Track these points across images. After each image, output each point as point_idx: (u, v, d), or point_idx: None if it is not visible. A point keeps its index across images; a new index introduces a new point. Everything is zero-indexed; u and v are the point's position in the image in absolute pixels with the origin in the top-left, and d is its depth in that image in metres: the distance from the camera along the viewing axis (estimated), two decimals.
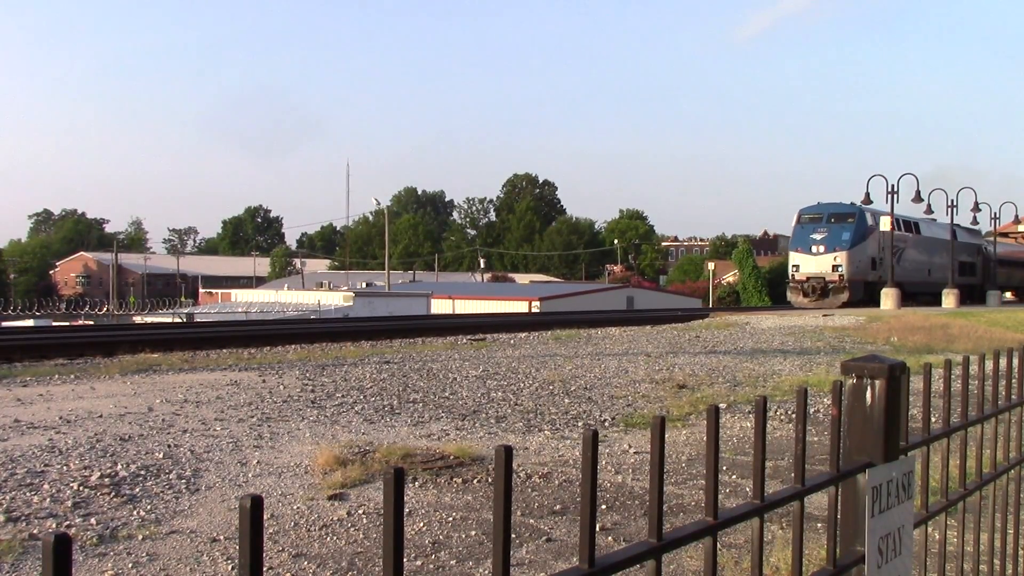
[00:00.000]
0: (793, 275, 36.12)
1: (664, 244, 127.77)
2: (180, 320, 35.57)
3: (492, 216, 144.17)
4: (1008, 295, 49.78)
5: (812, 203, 37.40)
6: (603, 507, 5.04)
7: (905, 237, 38.31)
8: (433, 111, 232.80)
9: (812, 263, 35.27)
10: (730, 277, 74.72)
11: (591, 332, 19.14)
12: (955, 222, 40.21)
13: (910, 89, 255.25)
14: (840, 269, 34.57)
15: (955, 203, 36.97)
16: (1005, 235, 54.66)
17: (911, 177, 33.14)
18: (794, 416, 2.79)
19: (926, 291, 38.67)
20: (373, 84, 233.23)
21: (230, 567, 3.97)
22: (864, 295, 34.86)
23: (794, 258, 36.39)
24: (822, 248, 35.18)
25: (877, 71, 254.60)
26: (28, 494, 4.96)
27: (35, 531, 4.35)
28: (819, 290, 34.64)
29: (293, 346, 15.26)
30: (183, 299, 74.36)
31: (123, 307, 45.68)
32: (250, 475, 5.57)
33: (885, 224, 34.86)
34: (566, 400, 8.93)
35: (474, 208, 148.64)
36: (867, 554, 1.68)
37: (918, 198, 33.35)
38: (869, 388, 1.75)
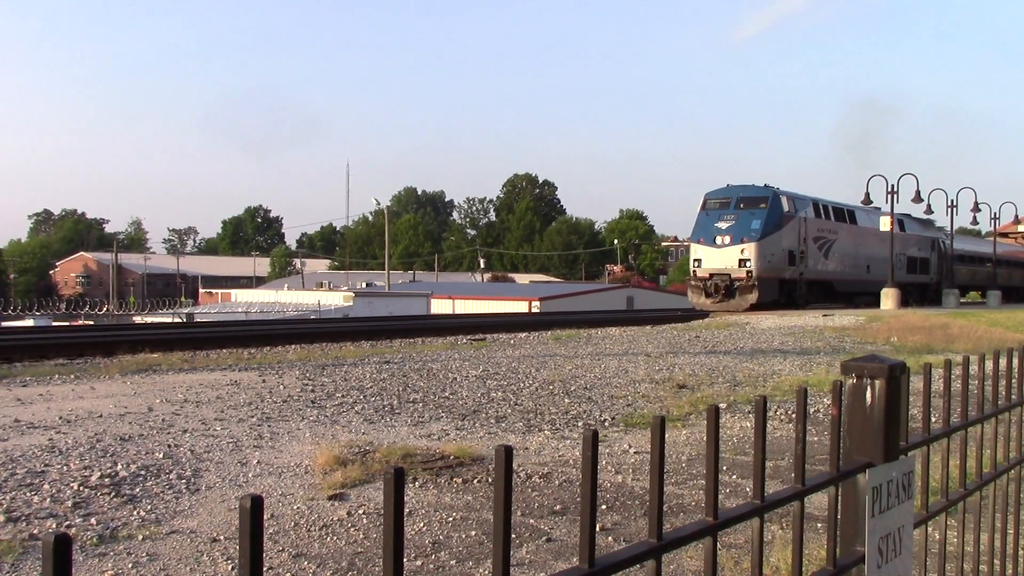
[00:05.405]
0: (694, 271, 30.41)
1: (664, 244, 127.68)
2: (180, 320, 35.56)
3: (492, 216, 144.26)
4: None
5: (722, 185, 31.57)
6: (603, 507, 5.04)
7: (836, 227, 33.28)
8: (433, 111, 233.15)
9: (716, 257, 29.59)
10: None
11: (591, 332, 19.14)
12: (905, 211, 36.27)
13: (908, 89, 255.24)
14: (748, 264, 28.94)
15: (955, 203, 36.85)
16: (1005, 235, 54.66)
17: (911, 177, 33.09)
18: (794, 416, 2.79)
19: (864, 291, 33.98)
20: (373, 84, 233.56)
21: (230, 567, 3.97)
22: (780, 295, 29.97)
23: (695, 251, 30.41)
24: (727, 239, 29.48)
25: (876, 70, 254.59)
26: (28, 494, 4.96)
27: (35, 531, 4.35)
28: (723, 289, 29.23)
29: (293, 346, 15.26)
30: (183, 299, 74.41)
31: (123, 307, 45.72)
32: (250, 475, 5.57)
33: (806, 211, 31.00)
34: (566, 400, 8.93)
35: (474, 208, 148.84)
36: (867, 554, 1.68)
37: (918, 198, 33.22)
38: (869, 388, 1.75)
